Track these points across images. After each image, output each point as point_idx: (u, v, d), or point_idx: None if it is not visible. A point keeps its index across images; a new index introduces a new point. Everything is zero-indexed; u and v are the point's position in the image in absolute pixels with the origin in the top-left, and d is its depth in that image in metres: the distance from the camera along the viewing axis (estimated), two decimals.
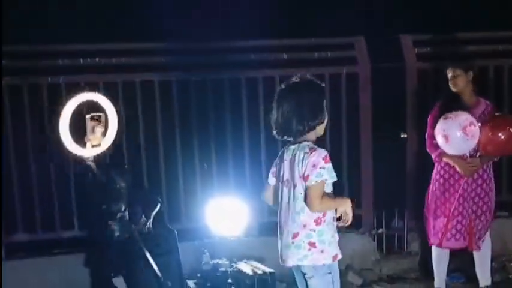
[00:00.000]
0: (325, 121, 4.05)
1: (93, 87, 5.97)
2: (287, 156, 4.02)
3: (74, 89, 6.00)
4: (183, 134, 6.66)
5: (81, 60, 6.36)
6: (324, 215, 3.99)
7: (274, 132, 4.03)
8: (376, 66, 6.82)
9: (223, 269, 6.03)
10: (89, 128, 5.62)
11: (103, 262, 6.01)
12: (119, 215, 6.04)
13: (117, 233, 5.98)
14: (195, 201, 6.63)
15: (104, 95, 5.52)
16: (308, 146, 3.94)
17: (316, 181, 3.86)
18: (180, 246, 6.07)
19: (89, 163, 5.82)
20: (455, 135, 5.46)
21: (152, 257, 5.91)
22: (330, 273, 4.03)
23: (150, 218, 6.26)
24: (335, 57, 6.84)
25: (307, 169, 3.87)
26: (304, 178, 3.89)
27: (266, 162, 6.57)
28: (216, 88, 6.68)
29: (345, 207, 4.05)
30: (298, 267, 4.10)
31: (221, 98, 6.70)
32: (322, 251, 4.00)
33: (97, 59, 6.38)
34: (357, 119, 6.77)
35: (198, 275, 6.14)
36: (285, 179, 4.02)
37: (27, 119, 6.32)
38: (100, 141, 5.71)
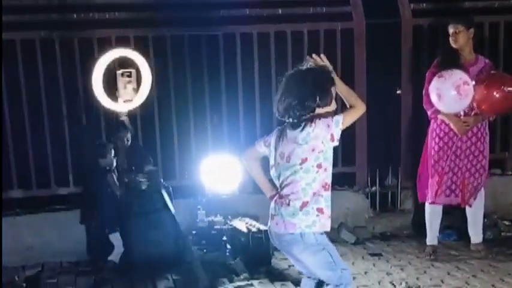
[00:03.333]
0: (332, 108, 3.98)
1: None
2: (289, 135, 3.90)
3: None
4: (178, 92, 6.63)
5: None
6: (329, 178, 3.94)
7: (276, 112, 3.96)
8: (371, 22, 6.76)
9: (218, 226, 6.09)
10: (121, 84, 5.63)
11: (98, 218, 6.05)
12: (113, 172, 6.08)
13: (111, 189, 6.03)
14: (190, 158, 6.64)
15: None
16: (308, 122, 3.85)
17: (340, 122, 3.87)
18: (174, 203, 6.10)
19: (123, 118, 5.86)
20: (448, 93, 5.44)
21: (146, 213, 5.96)
22: (324, 248, 3.89)
23: (145, 175, 6.30)
24: (330, 12, 6.78)
25: (327, 133, 3.82)
26: (331, 138, 3.83)
27: (260, 119, 6.57)
28: (210, 44, 6.62)
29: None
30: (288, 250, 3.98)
31: (215, 54, 6.65)
32: (329, 217, 3.92)
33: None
34: (352, 75, 6.74)
35: (193, 232, 6.19)
36: (286, 155, 3.91)
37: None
38: (132, 97, 5.73)
